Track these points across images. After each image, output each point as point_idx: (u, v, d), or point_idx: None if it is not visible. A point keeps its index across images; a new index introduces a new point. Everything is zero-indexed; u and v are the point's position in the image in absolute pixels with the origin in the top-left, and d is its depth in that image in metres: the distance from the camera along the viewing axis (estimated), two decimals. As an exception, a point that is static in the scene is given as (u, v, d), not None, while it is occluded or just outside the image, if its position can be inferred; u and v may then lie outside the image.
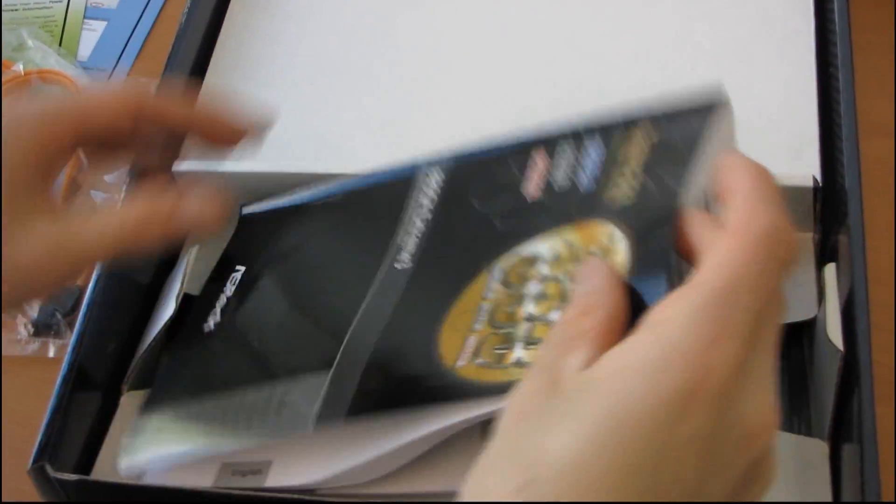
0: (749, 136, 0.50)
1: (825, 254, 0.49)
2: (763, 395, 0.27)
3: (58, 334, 0.59)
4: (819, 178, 0.48)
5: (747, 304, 0.27)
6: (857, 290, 0.43)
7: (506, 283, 0.38)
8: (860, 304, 0.42)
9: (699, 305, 0.27)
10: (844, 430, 0.42)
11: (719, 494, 0.26)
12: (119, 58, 0.71)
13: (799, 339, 0.49)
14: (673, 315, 0.27)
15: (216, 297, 0.47)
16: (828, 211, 0.48)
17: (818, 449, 0.43)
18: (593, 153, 0.37)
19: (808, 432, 0.45)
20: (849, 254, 0.44)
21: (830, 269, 0.46)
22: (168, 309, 0.49)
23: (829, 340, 0.42)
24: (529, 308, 0.36)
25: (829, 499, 0.41)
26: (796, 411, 0.47)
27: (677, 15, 0.58)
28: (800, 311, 0.46)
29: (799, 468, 0.42)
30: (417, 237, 0.42)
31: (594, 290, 0.30)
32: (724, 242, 0.28)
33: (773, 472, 0.28)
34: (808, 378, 0.47)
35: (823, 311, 0.44)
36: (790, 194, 0.47)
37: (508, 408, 0.28)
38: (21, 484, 0.45)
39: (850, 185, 0.46)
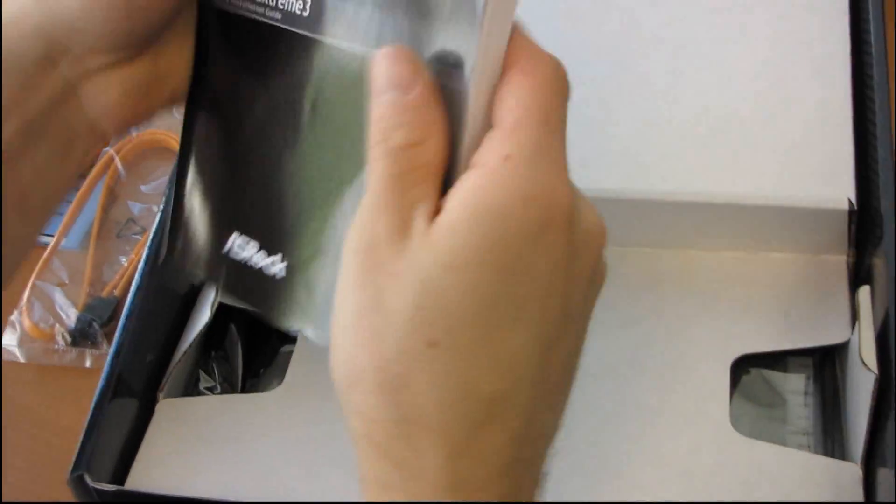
0: (785, 158, 0.51)
1: (859, 276, 0.49)
2: (589, 208, 0.29)
3: (95, 344, 0.60)
4: (854, 200, 0.48)
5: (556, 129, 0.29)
6: (892, 313, 0.43)
7: None
8: (895, 327, 0.42)
9: (527, 146, 0.28)
10: (878, 454, 0.42)
11: (579, 301, 0.29)
12: None
13: (832, 361, 0.48)
14: (518, 140, 0.28)
15: None
16: (862, 233, 0.48)
17: (851, 473, 0.43)
18: None
19: (842, 456, 0.45)
20: (884, 277, 0.44)
21: (865, 292, 0.46)
22: (203, 317, 0.50)
23: (864, 363, 0.42)
24: None
25: (862, 523, 0.41)
26: (829, 434, 0.46)
27: (711, 35, 0.58)
28: (833, 334, 0.46)
29: (832, 492, 0.42)
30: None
31: (418, 107, 0.28)
32: (521, 81, 0.29)
33: (605, 271, 0.31)
34: (842, 401, 0.47)
35: (857, 334, 0.44)
36: (825, 216, 0.48)
37: (356, 248, 0.28)
38: (56, 492, 0.46)
39: (886, 208, 0.46)
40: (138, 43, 0.35)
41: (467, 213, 0.27)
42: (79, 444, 0.44)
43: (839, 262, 0.48)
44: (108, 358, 0.48)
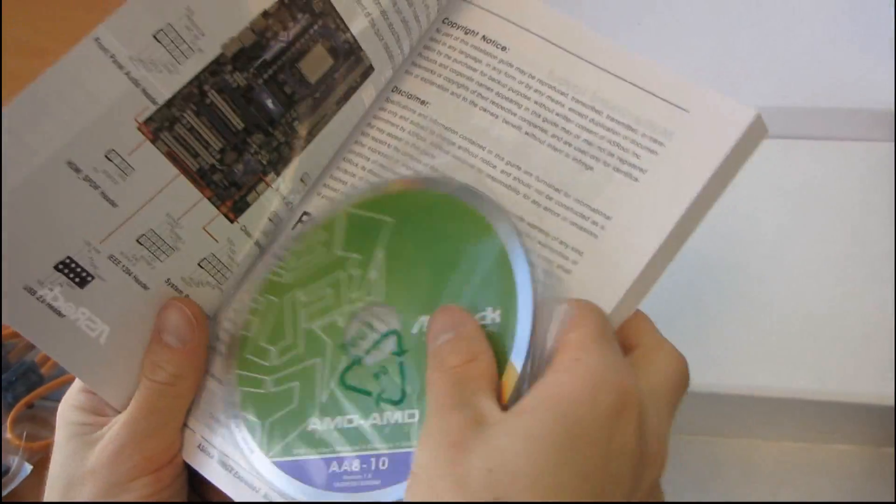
0: (847, 354, 0.53)
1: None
2: (661, 426, 0.33)
3: None
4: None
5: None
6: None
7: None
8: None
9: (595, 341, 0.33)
10: None
11: (641, 496, 0.32)
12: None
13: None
14: (584, 347, 0.32)
15: None
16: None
17: None
18: None
19: None
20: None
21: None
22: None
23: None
24: None
25: None
26: None
27: (773, 228, 0.61)
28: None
29: None
30: None
31: (469, 338, 0.34)
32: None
33: (663, 497, 0.34)
34: None
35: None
36: (883, 412, 0.50)
37: (431, 441, 0.31)
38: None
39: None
40: None
41: (540, 398, 0.31)
42: None
43: (886, 455, 0.50)
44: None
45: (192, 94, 0.35)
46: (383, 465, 0.35)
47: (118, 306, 0.36)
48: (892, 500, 0.50)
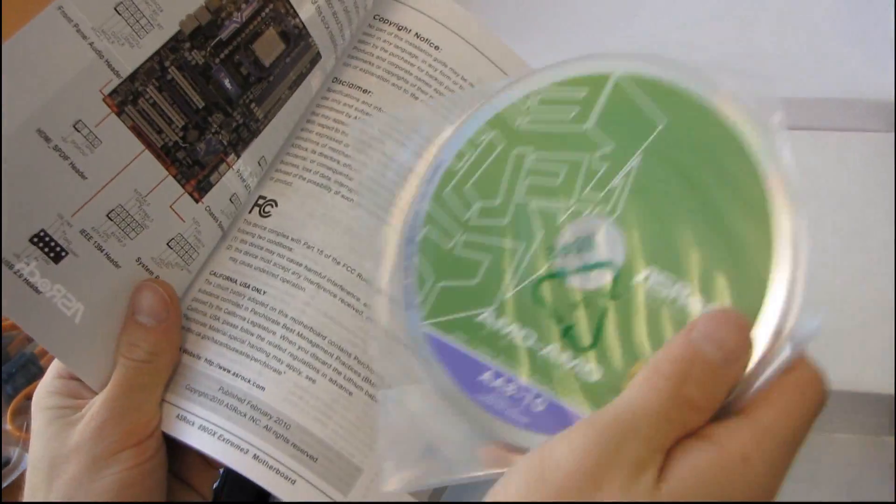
0: (837, 344, 0.53)
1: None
2: None
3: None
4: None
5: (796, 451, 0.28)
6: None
7: None
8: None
9: (768, 457, 0.27)
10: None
11: None
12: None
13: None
14: (752, 457, 0.27)
15: None
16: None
17: None
18: None
19: None
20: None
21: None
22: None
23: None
24: None
25: None
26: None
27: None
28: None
29: None
30: None
31: (726, 380, 0.28)
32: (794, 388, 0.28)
33: None
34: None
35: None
36: (873, 401, 0.51)
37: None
38: None
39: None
40: None
41: (695, 491, 0.27)
42: None
43: (885, 443, 0.51)
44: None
45: (154, 70, 0.37)
46: (539, 405, 0.30)
47: (92, 284, 0.38)
48: (893, 489, 0.50)
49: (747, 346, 0.28)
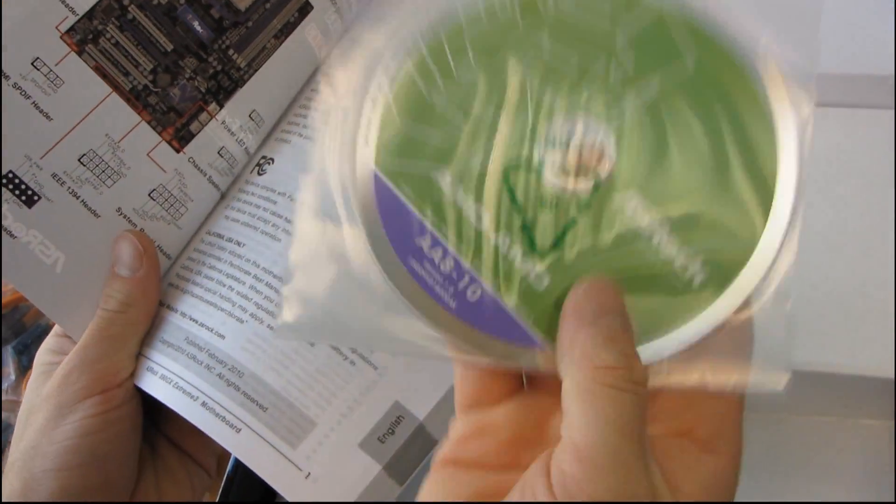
0: (842, 325, 0.50)
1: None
2: None
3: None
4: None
5: None
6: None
7: None
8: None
9: None
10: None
11: None
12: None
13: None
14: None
15: None
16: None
17: None
18: None
19: None
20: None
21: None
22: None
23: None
24: None
25: None
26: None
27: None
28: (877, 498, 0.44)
29: None
30: None
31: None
32: None
33: None
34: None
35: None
36: (873, 384, 0.46)
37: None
38: None
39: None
40: None
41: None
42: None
43: (885, 427, 0.47)
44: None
45: (112, 8, 0.37)
46: (473, 293, 0.28)
47: (70, 233, 0.38)
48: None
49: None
